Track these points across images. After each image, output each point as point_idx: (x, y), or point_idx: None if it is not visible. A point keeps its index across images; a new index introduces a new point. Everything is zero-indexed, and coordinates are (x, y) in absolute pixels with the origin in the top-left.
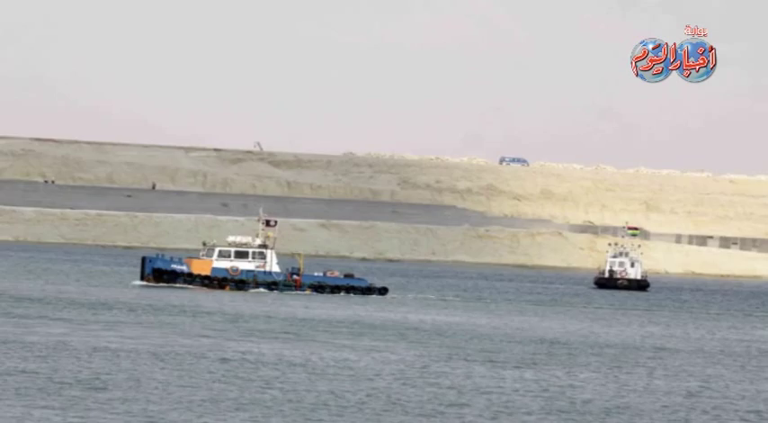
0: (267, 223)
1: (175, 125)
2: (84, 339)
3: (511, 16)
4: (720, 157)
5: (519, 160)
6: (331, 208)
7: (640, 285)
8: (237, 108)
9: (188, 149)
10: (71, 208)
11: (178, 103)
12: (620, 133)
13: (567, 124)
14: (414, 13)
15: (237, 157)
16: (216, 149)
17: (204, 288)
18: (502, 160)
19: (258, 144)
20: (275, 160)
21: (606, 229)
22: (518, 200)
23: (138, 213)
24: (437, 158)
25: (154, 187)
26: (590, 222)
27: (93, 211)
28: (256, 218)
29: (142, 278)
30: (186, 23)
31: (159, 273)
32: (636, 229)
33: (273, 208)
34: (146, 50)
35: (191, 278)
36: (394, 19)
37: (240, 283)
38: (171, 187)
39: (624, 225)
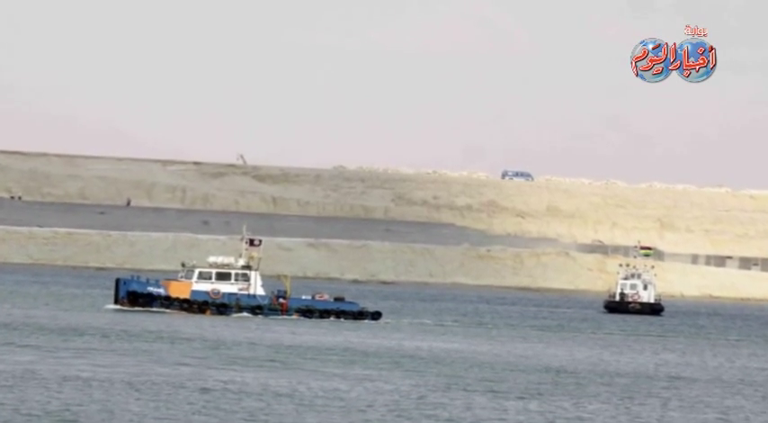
0: (251, 242)
1: (152, 136)
2: (53, 368)
3: (513, 18)
4: (740, 170)
5: (522, 174)
6: (320, 226)
7: (654, 309)
8: (219, 118)
9: (165, 163)
10: (39, 226)
11: (155, 112)
12: (632, 145)
13: (575, 135)
14: (409, 14)
15: (219, 171)
16: (196, 163)
17: (183, 312)
18: (504, 174)
19: (241, 157)
20: (260, 174)
21: (617, 249)
22: (522, 217)
23: (111, 232)
24: (434, 172)
25: (129, 203)
26: (599, 241)
27: (64, 230)
28: (239, 237)
29: (116, 302)
30: (163, 28)
31: (134, 296)
32: (649, 248)
33: (258, 226)
34: (119, 56)
35: (168, 302)
36: (387, 21)
37: (222, 307)
38: (147, 203)
39: (636, 244)
